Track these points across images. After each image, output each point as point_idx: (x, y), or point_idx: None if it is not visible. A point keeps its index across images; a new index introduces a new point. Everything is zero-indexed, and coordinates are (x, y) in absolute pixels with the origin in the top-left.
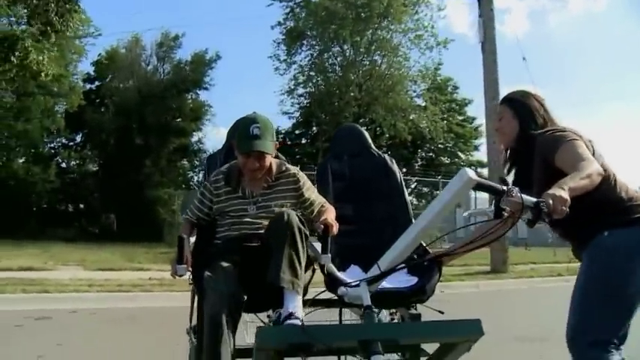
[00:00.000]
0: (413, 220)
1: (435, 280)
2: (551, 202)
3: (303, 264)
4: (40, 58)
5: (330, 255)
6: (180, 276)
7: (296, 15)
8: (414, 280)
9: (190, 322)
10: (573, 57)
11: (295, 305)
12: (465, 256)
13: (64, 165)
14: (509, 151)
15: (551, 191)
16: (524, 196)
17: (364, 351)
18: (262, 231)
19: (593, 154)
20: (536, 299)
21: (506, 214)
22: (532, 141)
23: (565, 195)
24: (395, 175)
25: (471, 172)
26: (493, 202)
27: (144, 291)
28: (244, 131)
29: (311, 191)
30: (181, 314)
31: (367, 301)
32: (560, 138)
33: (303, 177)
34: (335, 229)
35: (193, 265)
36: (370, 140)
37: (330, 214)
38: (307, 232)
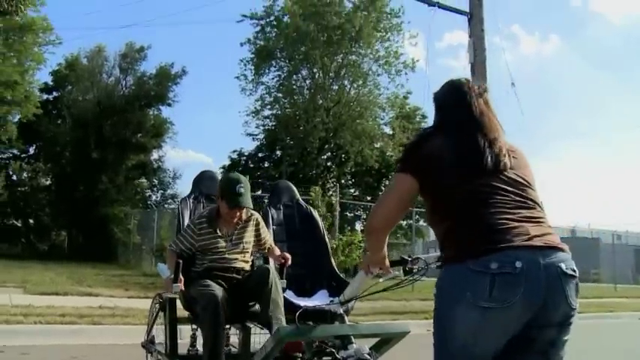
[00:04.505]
0: (331, 255)
1: (352, 304)
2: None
3: (282, 303)
4: None
5: (285, 281)
6: (175, 293)
7: (266, 34)
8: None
9: (147, 335)
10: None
11: None
12: None
13: (14, 177)
14: None
15: None
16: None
17: (342, 341)
18: (234, 264)
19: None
20: None
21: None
22: None
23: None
24: (317, 222)
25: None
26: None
27: (91, 323)
28: (232, 189)
29: (265, 232)
30: (137, 355)
31: (340, 312)
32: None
33: (262, 221)
34: (289, 262)
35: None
36: (298, 194)
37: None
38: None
